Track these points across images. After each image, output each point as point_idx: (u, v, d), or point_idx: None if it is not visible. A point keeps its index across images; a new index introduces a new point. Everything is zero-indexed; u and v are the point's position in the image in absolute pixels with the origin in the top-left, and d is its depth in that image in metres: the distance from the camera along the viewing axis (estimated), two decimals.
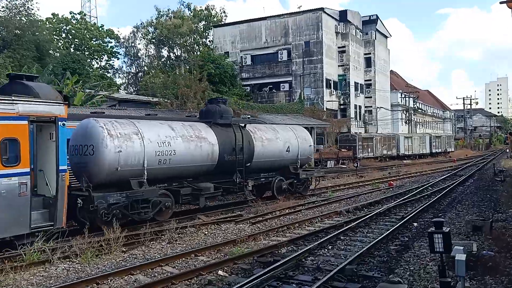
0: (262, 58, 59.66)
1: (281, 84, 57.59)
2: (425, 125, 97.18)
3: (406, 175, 32.31)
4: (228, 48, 61.43)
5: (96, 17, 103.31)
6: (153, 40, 66.39)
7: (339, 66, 59.40)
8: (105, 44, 76.02)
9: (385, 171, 36.75)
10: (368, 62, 64.97)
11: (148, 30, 66.34)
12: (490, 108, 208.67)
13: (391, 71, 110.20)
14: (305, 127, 42.74)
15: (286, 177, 19.20)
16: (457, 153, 68.81)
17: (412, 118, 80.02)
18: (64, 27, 74.61)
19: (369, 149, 49.33)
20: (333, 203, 18.43)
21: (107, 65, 78.36)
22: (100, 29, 77.39)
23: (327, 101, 55.15)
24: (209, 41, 67.52)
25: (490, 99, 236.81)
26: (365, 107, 64.58)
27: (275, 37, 58.25)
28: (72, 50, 70.69)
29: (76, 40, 73.83)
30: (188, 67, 49.90)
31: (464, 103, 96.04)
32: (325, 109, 55.22)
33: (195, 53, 60.16)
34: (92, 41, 74.25)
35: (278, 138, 18.50)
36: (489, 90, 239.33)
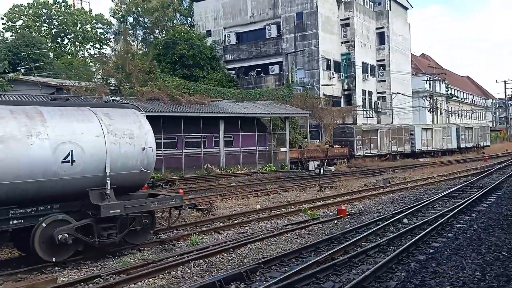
0: (249, 36, 49.91)
1: (270, 67, 47.64)
2: (462, 115, 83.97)
3: (399, 185, 21.84)
4: (210, 26, 52.03)
5: (89, 2, 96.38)
6: (121, 19, 57.87)
7: (342, 43, 48.66)
8: (93, 31, 68.84)
9: (377, 177, 26.26)
10: (381, 38, 53.62)
11: (119, 8, 57.81)
12: None
13: (423, 55, 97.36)
14: (276, 118, 33.07)
15: (81, 213, 9.57)
16: (495, 148, 56.33)
17: (440, 106, 67.59)
18: (45, 11, 67.57)
19: (371, 145, 38.54)
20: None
21: (99, 53, 70.25)
22: (87, 14, 70.04)
23: (323, 85, 44.56)
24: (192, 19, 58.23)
25: None
26: (378, 93, 53.41)
27: (262, 9, 48.24)
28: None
29: (54, 25, 66.87)
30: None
31: (505, 88, 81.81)
32: (321, 95, 44.74)
33: (168, 31, 50.92)
34: (77, 27, 67.11)
35: (36, 135, 8.79)
36: None
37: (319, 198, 18.08)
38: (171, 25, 54.36)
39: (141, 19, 57.23)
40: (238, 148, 30.05)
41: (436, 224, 11.93)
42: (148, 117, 25.20)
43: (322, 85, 44.44)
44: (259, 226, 12.79)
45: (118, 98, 14.96)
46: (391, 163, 37.47)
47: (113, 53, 34.82)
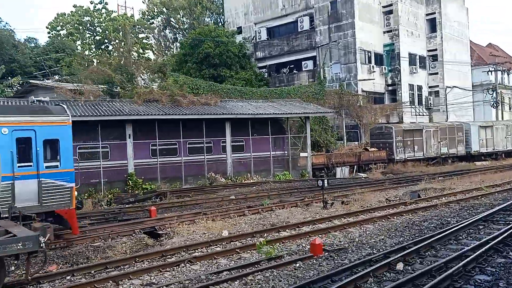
0: (280, 30, 46.17)
1: (303, 62, 43.48)
2: None
3: (429, 200, 17.17)
4: (241, 22, 48.87)
5: (132, 8, 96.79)
6: (152, 20, 56.28)
7: (385, 32, 43.37)
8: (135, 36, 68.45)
9: (412, 187, 21.54)
10: (433, 25, 47.52)
11: (150, 10, 56.33)
12: None
13: (490, 44, 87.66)
14: (296, 118, 28.53)
15: None
16: None
17: (509, 101, 59.36)
18: (88, 18, 68.09)
19: (415, 147, 33.24)
20: None
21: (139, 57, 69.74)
22: (129, 19, 69.85)
23: (361, 80, 39.68)
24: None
25: None
26: (429, 87, 47.34)
27: (293, 0, 44.18)
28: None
29: (97, 33, 67.11)
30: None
31: None
32: (360, 92, 39.90)
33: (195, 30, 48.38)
34: (119, 34, 67.00)
35: None
36: None
37: (315, 219, 14.02)
38: (199, 23, 51.79)
39: (172, 19, 55.34)
40: (249, 154, 26.40)
41: (444, 275, 7.64)
42: (140, 121, 22.52)
43: (359, 80, 39.54)
44: (184, 271, 9.11)
45: (46, 99, 12.09)
46: (439, 168, 32.03)
47: (115, 53, 32.57)
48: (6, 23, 54.11)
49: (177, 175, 23.98)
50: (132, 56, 28.36)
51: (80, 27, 66.64)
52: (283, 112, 27.10)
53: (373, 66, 41.21)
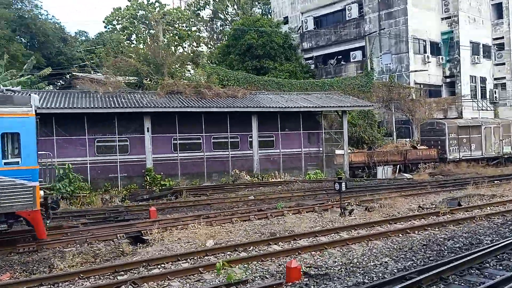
0: (328, 19, 43.56)
1: (352, 53, 40.60)
2: None
3: (470, 210, 14.43)
4: (287, 12, 46.78)
5: (186, 1, 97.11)
6: (198, 12, 55.61)
7: (443, 19, 39.36)
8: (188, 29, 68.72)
9: (458, 191, 18.68)
10: (499, 11, 42.51)
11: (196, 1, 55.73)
12: None
13: None
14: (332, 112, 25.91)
15: None
16: None
17: None
18: (142, 12, 69.28)
19: (472, 146, 29.58)
20: None
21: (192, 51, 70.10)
22: (182, 13, 70.21)
23: (413, 71, 36.19)
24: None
25: None
26: (494, 79, 42.50)
27: None
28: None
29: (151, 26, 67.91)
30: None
31: None
32: (412, 84, 36.50)
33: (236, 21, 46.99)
34: (171, 27, 67.53)
35: None
36: None
37: (320, 230, 11.99)
38: (245, 14, 50.36)
39: (219, 11, 54.40)
40: (278, 150, 24.54)
41: None
42: (160, 114, 21.46)
43: (411, 72, 36.10)
44: None
45: (16, 89, 11.12)
46: (499, 170, 28.20)
47: (143, 44, 31.86)
48: (53, 17, 55.65)
49: (199, 172, 22.73)
50: (161, 47, 27.39)
51: (135, 21, 67.70)
52: (316, 105, 24.88)
53: (428, 56, 37.47)
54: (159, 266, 9.21)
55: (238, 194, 20.21)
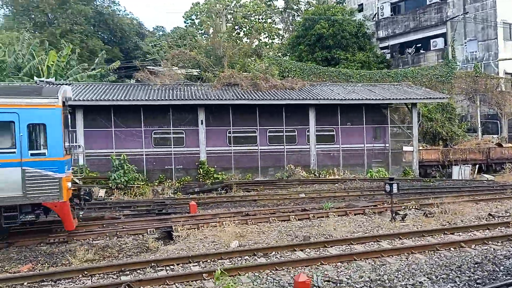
0: (406, 4, 40.50)
1: (432, 40, 37.43)
2: None
3: None
4: None
5: None
6: (269, 3, 54.64)
7: None
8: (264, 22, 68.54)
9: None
10: None
11: None
12: None
13: None
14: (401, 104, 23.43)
15: None
16: None
17: None
18: (219, 6, 70.52)
19: None
20: None
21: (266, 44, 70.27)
22: (258, 5, 70.15)
23: (502, 60, 32.30)
24: None
25: None
26: None
27: None
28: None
29: (228, 20, 68.78)
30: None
31: None
32: (501, 74, 32.66)
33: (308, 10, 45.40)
34: (247, 20, 67.77)
35: None
36: None
37: (358, 237, 10.70)
38: (318, 2, 48.55)
39: (292, 2, 53.18)
40: (338, 146, 23.08)
41: None
42: (214, 106, 21.17)
43: (500, 60, 32.22)
44: None
45: (51, 80, 11.28)
46: None
47: (204, 36, 31.67)
48: (130, 13, 57.68)
49: (252, 166, 22.10)
50: (222, 39, 27.07)
51: (213, 15, 68.69)
52: (381, 97, 22.96)
53: None
54: (167, 268, 8.67)
55: (290, 191, 19.25)
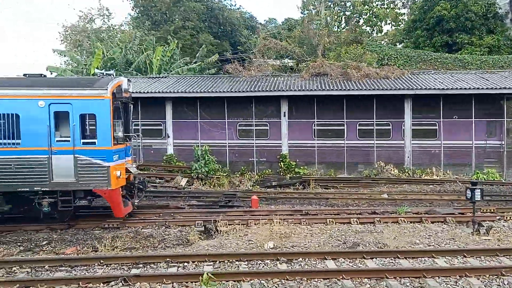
0: None
1: None
2: None
3: None
4: None
5: None
6: None
7: None
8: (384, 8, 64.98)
9: None
10: None
11: None
12: None
13: None
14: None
15: None
16: None
17: None
18: None
19: None
20: None
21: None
22: None
23: None
24: None
25: None
26: None
27: None
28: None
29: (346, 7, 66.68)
30: None
31: None
32: None
33: None
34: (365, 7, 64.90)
35: None
36: None
37: (418, 250, 9.18)
38: None
39: None
40: (439, 142, 20.45)
41: None
42: (298, 98, 20.46)
43: None
44: None
45: (111, 73, 11.96)
46: None
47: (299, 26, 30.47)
48: (240, 6, 58.12)
49: (337, 161, 20.81)
50: (317, 27, 25.89)
51: (331, 5, 66.93)
52: (494, 86, 19.64)
53: None
54: (181, 264, 8.39)
55: (373, 191, 17.61)
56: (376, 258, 8.72)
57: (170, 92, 20.69)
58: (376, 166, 20.28)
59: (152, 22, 38.64)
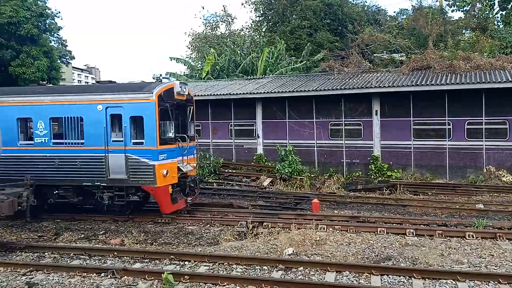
0: None
1: None
2: None
3: None
4: None
5: None
6: None
7: None
8: None
9: None
10: None
11: None
12: None
13: None
14: None
15: None
16: None
17: None
18: None
19: None
20: None
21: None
22: None
23: None
24: None
25: None
26: None
27: None
28: None
29: None
30: None
31: None
32: None
33: None
34: None
35: None
36: None
37: (443, 271, 7.78)
38: None
39: None
40: None
41: None
42: (392, 94, 18.86)
43: None
44: None
45: (166, 77, 12.94)
46: None
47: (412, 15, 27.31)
48: (364, 0, 53.87)
49: (438, 164, 18.51)
50: (429, 16, 23.17)
51: None
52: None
53: None
54: (181, 263, 8.52)
55: (468, 200, 15.24)
56: (388, 275, 7.59)
57: (257, 93, 21.01)
58: (485, 171, 17.46)
59: (269, 24, 39.49)
